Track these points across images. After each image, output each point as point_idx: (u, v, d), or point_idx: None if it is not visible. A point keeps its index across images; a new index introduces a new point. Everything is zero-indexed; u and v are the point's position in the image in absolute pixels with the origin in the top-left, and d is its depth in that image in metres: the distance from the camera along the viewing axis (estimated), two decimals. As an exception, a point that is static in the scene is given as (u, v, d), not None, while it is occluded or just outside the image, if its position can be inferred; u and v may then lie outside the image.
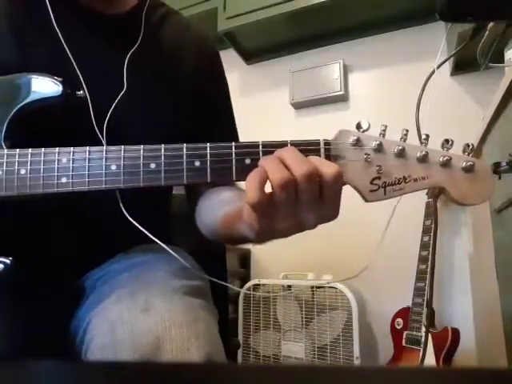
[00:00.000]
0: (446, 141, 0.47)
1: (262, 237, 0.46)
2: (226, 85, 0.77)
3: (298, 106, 2.01)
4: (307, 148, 0.46)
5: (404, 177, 0.46)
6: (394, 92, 1.80)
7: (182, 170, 0.47)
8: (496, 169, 0.73)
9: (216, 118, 0.73)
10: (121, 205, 0.53)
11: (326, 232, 1.99)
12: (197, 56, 0.72)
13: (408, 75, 1.78)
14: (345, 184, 0.45)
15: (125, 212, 0.53)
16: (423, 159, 0.46)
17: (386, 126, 0.48)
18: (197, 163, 0.47)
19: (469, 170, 0.46)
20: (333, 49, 1.99)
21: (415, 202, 1.54)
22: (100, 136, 0.57)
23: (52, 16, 0.60)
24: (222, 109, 0.75)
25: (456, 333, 1.33)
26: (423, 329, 1.36)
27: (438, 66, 0.83)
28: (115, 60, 0.64)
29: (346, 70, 1.93)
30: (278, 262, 1.87)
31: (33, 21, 0.61)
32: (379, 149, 0.46)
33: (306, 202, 0.42)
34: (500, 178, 0.44)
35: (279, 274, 1.70)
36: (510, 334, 0.96)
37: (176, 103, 0.68)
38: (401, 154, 0.46)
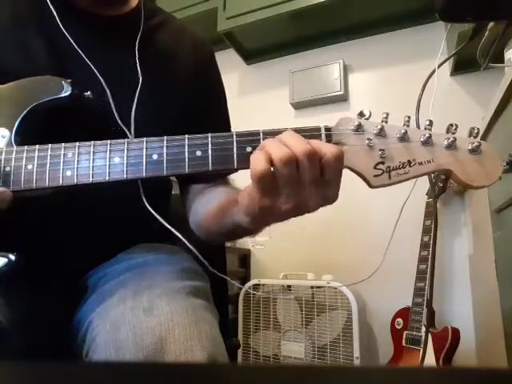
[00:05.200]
0: (451, 125, 0.46)
1: (260, 220, 0.46)
2: (223, 87, 0.78)
3: (298, 105, 2.00)
4: (307, 134, 0.46)
5: (408, 160, 0.45)
6: (394, 92, 1.80)
7: (183, 160, 0.47)
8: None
9: (212, 120, 0.73)
10: (144, 199, 0.55)
11: (325, 232, 1.98)
12: (194, 58, 0.73)
13: (408, 75, 1.78)
14: (345, 167, 0.45)
15: (148, 206, 0.55)
16: (427, 142, 0.45)
17: (388, 114, 0.47)
18: (198, 152, 0.47)
19: (475, 151, 0.45)
20: (333, 49, 1.99)
21: (415, 202, 1.54)
22: (126, 130, 0.59)
23: (57, 17, 0.61)
24: (218, 112, 0.76)
25: (456, 333, 1.33)
26: (423, 329, 1.36)
27: (439, 66, 0.83)
28: (122, 57, 0.65)
29: (346, 70, 1.93)
30: (278, 262, 1.87)
31: (37, 23, 0.62)
32: (381, 133, 0.46)
33: (308, 181, 0.42)
34: (500, 178, 0.44)
35: (279, 274, 1.70)
36: (510, 334, 0.96)
37: (173, 104, 0.68)
38: (403, 137, 0.46)
